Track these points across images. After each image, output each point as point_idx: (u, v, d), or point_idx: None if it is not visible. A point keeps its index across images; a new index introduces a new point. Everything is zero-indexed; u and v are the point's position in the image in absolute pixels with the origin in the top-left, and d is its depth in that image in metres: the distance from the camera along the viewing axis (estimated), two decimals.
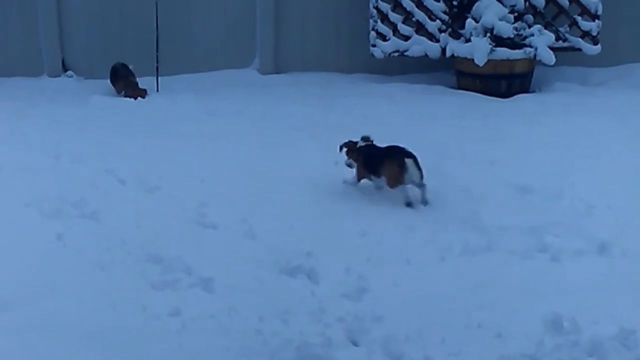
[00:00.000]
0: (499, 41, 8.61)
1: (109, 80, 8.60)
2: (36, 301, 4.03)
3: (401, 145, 5.64)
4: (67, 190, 5.52)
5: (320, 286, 4.37)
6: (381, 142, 5.83)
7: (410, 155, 5.51)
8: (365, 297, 4.26)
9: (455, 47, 8.86)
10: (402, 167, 5.46)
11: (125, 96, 8.23)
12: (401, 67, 9.54)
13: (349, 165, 5.85)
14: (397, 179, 5.49)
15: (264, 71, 9.66)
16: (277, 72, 9.69)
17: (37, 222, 5.03)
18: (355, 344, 3.82)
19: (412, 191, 5.55)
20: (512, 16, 8.77)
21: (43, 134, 6.95)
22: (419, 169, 5.51)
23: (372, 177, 5.75)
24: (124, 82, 8.42)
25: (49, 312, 3.94)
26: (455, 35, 9.06)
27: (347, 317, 4.00)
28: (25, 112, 7.71)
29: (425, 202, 5.52)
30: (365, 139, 5.91)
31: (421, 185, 5.55)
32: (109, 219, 5.10)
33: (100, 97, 8.27)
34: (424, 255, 4.73)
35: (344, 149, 5.85)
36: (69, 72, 9.52)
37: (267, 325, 3.92)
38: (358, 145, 5.84)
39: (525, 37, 8.70)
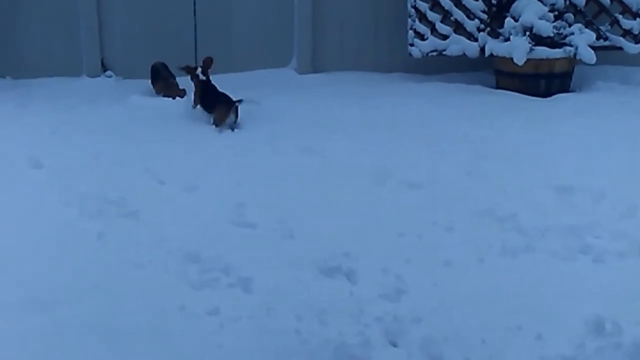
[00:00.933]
0: (538, 40, 8.53)
1: (149, 81, 8.64)
2: (77, 300, 4.07)
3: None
4: (107, 190, 5.56)
5: (358, 286, 4.35)
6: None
7: (234, 104, 7.26)
8: (404, 297, 4.24)
9: (494, 46, 8.79)
10: (229, 112, 7.24)
11: (164, 96, 8.26)
12: (439, 67, 9.48)
13: None
14: (222, 121, 7.25)
15: (301, 71, 9.66)
16: (315, 72, 9.68)
17: (78, 221, 5.08)
18: (394, 345, 3.81)
19: None
20: (552, 15, 8.68)
21: (82, 134, 6.99)
22: (237, 115, 7.30)
23: (204, 110, 7.48)
24: (164, 83, 8.45)
25: (89, 311, 3.98)
26: (494, 34, 8.99)
27: (385, 317, 3.98)
28: (65, 112, 7.76)
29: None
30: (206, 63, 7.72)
31: (233, 128, 7.28)
32: (149, 219, 5.14)
33: (139, 97, 8.30)
34: (462, 256, 4.70)
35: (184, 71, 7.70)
36: (108, 72, 9.58)
37: (305, 325, 3.91)
38: (199, 76, 7.66)
39: (566, 36, 8.61)
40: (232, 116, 7.34)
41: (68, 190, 5.58)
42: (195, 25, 9.00)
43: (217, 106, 7.42)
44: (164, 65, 8.59)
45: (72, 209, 5.25)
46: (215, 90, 7.61)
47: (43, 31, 9.44)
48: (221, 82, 8.72)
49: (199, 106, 7.61)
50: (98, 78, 9.45)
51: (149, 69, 8.62)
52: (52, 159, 6.20)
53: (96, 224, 5.00)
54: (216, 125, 7.32)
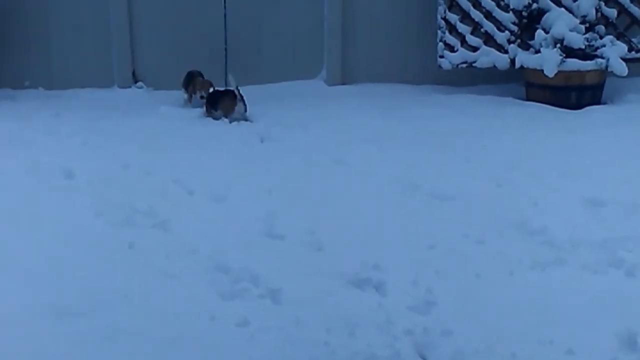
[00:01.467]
0: (569, 52, 8.49)
1: (182, 90, 8.68)
2: (107, 310, 4.08)
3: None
4: (137, 200, 5.58)
5: (387, 298, 4.33)
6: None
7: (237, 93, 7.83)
8: (434, 310, 4.21)
9: (524, 58, 8.76)
10: (234, 102, 7.80)
11: (201, 97, 8.27)
12: (469, 79, 9.46)
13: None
14: (231, 111, 7.83)
15: (331, 82, 9.68)
16: (344, 83, 9.70)
17: (108, 231, 5.11)
18: (423, 358, 3.77)
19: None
20: (583, 27, 8.65)
21: (113, 144, 7.04)
22: (245, 104, 7.84)
23: (213, 111, 7.98)
24: (199, 80, 8.51)
25: (119, 320, 3.99)
26: (525, 46, 8.96)
27: (415, 330, 3.96)
28: (96, 123, 7.84)
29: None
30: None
31: (246, 118, 7.87)
32: (178, 229, 5.15)
33: (169, 108, 8.37)
34: (493, 269, 4.66)
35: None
36: (139, 83, 9.66)
37: (334, 337, 3.90)
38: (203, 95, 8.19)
39: (597, 48, 8.56)
40: (240, 105, 7.89)
41: (99, 199, 5.61)
42: (226, 38, 9.05)
43: (222, 100, 8.00)
44: (199, 72, 8.64)
45: (103, 218, 5.28)
46: (218, 90, 8.22)
47: (76, 43, 9.54)
48: (251, 93, 8.78)
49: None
50: (129, 89, 9.54)
51: (184, 76, 8.67)
52: (84, 169, 6.24)
53: (126, 234, 5.02)
54: (226, 117, 7.90)
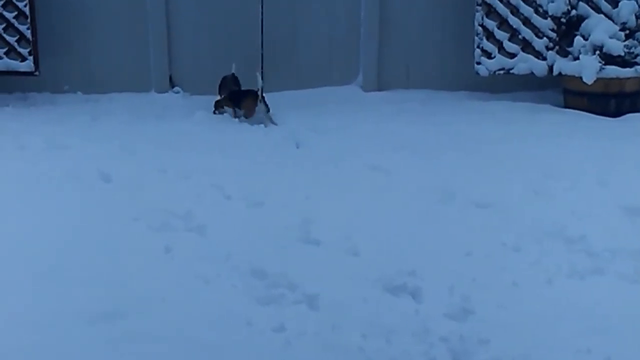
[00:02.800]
0: (608, 59, 8.41)
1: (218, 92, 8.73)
2: (144, 313, 4.11)
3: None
4: (174, 204, 5.61)
5: (424, 305, 4.31)
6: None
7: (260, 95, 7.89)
8: (470, 318, 4.18)
9: (562, 65, 8.69)
10: (255, 102, 7.89)
11: (246, 117, 8.32)
12: (506, 85, 9.41)
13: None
14: (252, 112, 7.96)
15: (367, 88, 9.67)
16: (380, 89, 9.69)
17: (146, 234, 5.14)
18: None
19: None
20: (622, 34, 8.56)
21: (150, 148, 7.10)
22: (267, 105, 7.96)
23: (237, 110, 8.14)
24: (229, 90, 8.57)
25: (156, 324, 4.01)
26: (563, 53, 8.89)
27: (451, 337, 3.94)
28: (133, 127, 7.90)
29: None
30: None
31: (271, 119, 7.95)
32: (215, 233, 5.17)
33: (205, 113, 8.41)
34: (530, 277, 4.62)
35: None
36: (176, 88, 9.72)
37: (370, 343, 3.89)
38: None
39: (637, 55, 8.47)
40: (261, 105, 7.99)
41: (136, 203, 5.66)
42: (262, 43, 9.07)
43: (244, 100, 8.14)
44: (235, 78, 8.68)
45: (140, 222, 5.32)
46: (241, 90, 8.41)
47: (114, 49, 9.64)
48: (287, 98, 8.84)
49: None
50: (166, 94, 9.61)
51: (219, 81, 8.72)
52: (121, 173, 6.29)
53: (163, 238, 5.05)
54: (246, 117, 8.10)
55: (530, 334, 4.01)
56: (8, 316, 4.09)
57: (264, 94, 8.02)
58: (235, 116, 8.28)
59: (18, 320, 4.05)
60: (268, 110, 8.09)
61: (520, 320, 4.15)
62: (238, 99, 8.28)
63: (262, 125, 7.92)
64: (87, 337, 3.90)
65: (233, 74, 8.74)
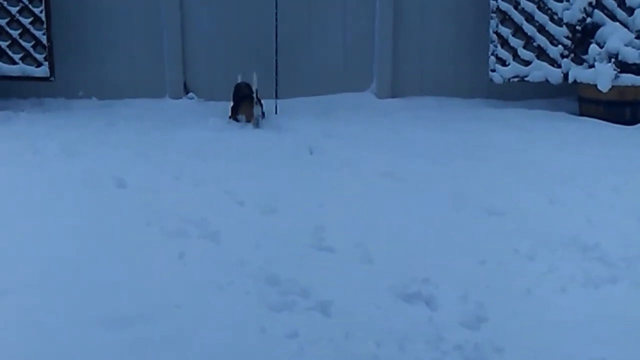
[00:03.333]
0: (624, 67, 8.39)
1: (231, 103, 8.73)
2: (157, 319, 4.10)
3: None
4: (187, 211, 5.62)
5: (437, 313, 4.29)
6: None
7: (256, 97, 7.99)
8: (484, 326, 4.15)
9: (577, 73, 8.68)
10: (252, 105, 8.01)
11: (247, 121, 8.33)
12: (521, 93, 9.40)
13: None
14: (250, 116, 8.07)
15: (381, 95, 9.68)
16: (394, 96, 9.70)
17: (160, 240, 5.14)
18: None
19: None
20: (638, 42, 8.54)
21: (164, 154, 7.11)
22: (262, 107, 8.14)
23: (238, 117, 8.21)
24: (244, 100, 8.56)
25: (169, 330, 4.00)
26: (578, 61, 8.88)
27: (465, 345, 3.92)
28: (147, 133, 7.92)
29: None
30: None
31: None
32: (229, 240, 5.16)
33: (219, 119, 8.42)
34: (544, 286, 4.59)
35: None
36: (190, 94, 9.75)
37: (384, 350, 3.87)
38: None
39: None
40: (257, 108, 8.10)
41: (150, 209, 5.66)
42: (277, 50, 9.10)
43: (242, 105, 8.24)
44: (247, 85, 8.69)
45: (154, 228, 5.32)
46: (239, 96, 8.40)
47: (129, 54, 9.68)
48: (301, 104, 8.86)
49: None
50: (180, 100, 9.63)
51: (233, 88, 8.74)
52: (135, 179, 6.31)
53: (177, 244, 5.05)
54: (248, 121, 8.17)
55: (545, 342, 3.98)
56: (21, 321, 4.09)
57: (259, 96, 8.13)
58: (238, 121, 8.34)
59: (31, 325, 4.04)
60: (262, 114, 8.26)
61: (535, 329, 4.12)
62: (237, 105, 8.34)
63: (276, 132, 7.92)
64: (101, 342, 3.90)
65: (244, 81, 8.73)
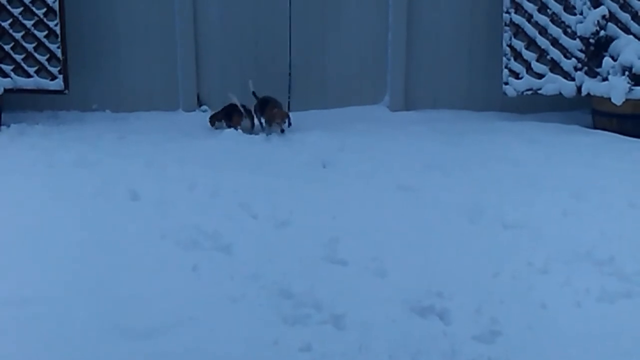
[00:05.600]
0: (638, 80, 8.36)
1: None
2: (171, 331, 4.10)
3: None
4: (201, 223, 5.62)
5: (451, 327, 4.27)
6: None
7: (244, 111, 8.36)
8: (498, 340, 4.14)
9: (591, 86, 8.66)
10: (241, 118, 8.43)
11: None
12: (534, 106, 9.39)
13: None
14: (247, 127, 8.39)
15: (394, 108, 9.68)
16: (408, 109, 9.70)
17: (173, 252, 5.15)
18: None
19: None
20: None
21: (178, 166, 7.12)
22: (252, 120, 8.45)
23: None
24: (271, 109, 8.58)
25: (183, 342, 4.01)
26: (592, 74, 8.86)
27: None
28: (161, 145, 7.94)
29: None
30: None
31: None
32: (242, 253, 5.17)
33: (232, 132, 8.43)
34: (559, 299, 4.57)
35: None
36: (204, 107, 9.78)
37: None
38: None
39: None
40: (246, 121, 8.48)
41: (164, 221, 5.67)
42: (290, 63, 9.12)
43: (232, 116, 8.56)
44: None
45: (168, 240, 5.33)
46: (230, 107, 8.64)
47: (142, 67, 9.72)
48: (314, 117, 8.86)
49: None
50: (193, 112, 9.65)
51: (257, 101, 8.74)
52: (149, 191, 6.32)
53: (191, 256, 5.05)
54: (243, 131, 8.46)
55: (559, 356, 3.97)
56: (40, 332, 4.10)
57: (248, 109, 8.50)
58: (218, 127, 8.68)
59: (49, 336, 4.06)
60: (252, 127, 8.57)
61: (549, 343, 4.10)
62: (230, 115, 8.63)
63: (290, 145, 7.93)
64: (120, 355, 3.90)
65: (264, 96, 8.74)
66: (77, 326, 4.16)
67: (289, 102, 8.89)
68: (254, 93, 8.50)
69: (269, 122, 8.31)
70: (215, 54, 9.77)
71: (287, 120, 8.21)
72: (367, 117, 9.35)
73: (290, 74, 9.10)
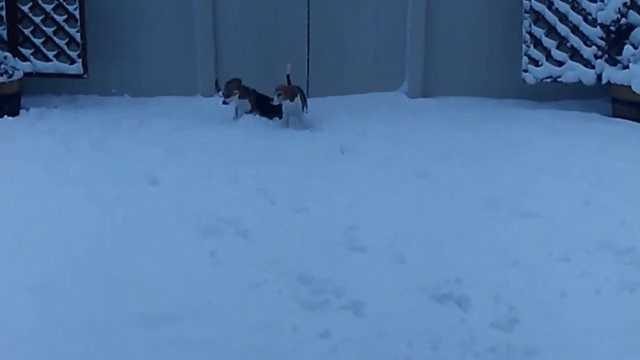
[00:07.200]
0: None
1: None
2: (190, 317, 4.13)
3: None
4: (220, 209, 5.64)
5: (470, 314, 4.27)
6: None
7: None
8: (516, 328, 4.13)
9: (611, 74, 8.60)
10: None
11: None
12: (553, 93, 9.33)
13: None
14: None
15: (412, 95, 9.64)
16: (426, 96, 9.65)
17: (192, 238, 5.17)
18: None
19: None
20: None
21: (196, 152, 7.14)
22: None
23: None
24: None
25: (202, 328, 4.03)
26: (612, 62, 8.79)
27: (498, 347, 3.90)
28: (180, 131, 7.94)
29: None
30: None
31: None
32: (261, 238, 5.18)
33: (251, 118, 8.41)
34: (578, 288, 4.55)
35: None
36: (222, 92, 9.75)
37: (416, 351, 3.87)
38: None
39: None
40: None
41: (183, 207, 5.69)
42: (308, 48, 9.10)
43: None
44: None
45: (187, 225, 5.35)
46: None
47: (161, 52, 9.72)
48: (333, 104, 8.83)
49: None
50: (212, 98, 9.63)
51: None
52: (168, 177, 6.33)
53: (210, 242, 5.07)
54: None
55: (579, 346, 3.96)
56: (57, 320, 4.13)
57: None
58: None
59: (67, 322, 4.08)
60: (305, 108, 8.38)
61: (568, 332, 4.10)
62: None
63: (308, 131, 7.93)
64: (138, 341, 3.92)
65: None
66: (94, 313, 4.18)
67: (307, 88, 8.86)
68: (288, 76, 8.44)
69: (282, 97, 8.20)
70: (233, 39, 9.75)
71: (303, 106, 8.17)
72: (386, 103, 9.32)
73: (308, 59, 9.07)
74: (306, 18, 9.09)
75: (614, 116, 8.65)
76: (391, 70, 9.77)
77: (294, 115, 8.14)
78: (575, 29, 8.94)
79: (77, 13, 9.13)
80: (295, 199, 5.86)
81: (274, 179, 6.36)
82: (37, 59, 9.24)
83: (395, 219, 5.55)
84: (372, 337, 3.98)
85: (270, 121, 8.27)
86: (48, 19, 9.22)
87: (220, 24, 9.69)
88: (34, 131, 7.91)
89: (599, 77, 8.75)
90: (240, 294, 4.41)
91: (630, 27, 8.73)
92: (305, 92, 8.40)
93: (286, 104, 8.00)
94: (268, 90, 8.31)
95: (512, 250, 5.05)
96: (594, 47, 8.87)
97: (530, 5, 8.98)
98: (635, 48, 8.51)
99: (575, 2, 8.93)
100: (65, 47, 9.23)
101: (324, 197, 5.95)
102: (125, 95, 9.69)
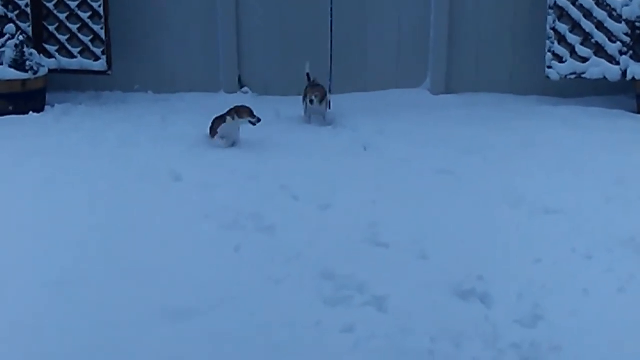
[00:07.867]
0: None
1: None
2: (214, 311, 4.16)
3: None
4: (243, 204, 5.68)
5: (493, 311, 4.27)
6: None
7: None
8: (540, 324, 4.13)
9: (636, 70, 8.55)
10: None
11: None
12: (578, 90, 9.29)
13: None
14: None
15: (435, 91, 9.63)
16: (449, 93, 9.64)
17: (216, 233, 5.20)
18: None
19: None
20: None
21: (220, 149, 7.16)
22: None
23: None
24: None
25: (225, 322, 4.06)
26: (637, 58, 8.74)
27: (522, 344, 3.90)
28: (203, 127, 7.95)
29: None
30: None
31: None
32: (284, 234, 5.20)
33: (273, 115, 8.42)
34: (602, 285, 4.54)
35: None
36: (245, 89, 9.79)
37: (439, 347, 3.88)
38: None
39: None
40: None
41: (206, 203, 5.73)
42: (331, 45, 9.08)
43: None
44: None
45: (211, 221, 5.38)
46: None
47: (184, 49, 9.76)
48: (356, 100, 8.83)
49: None
50: (235, 94, 9.66)
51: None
52: (191, 173, 6.38)
53: (233, 237, 5.10)
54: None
55: (604, 342, 3.95)
56: (83, 312, 4.17)
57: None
58: None
59: (87, 319, 4.12)
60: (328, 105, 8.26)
61: (592, 328, 4.09)
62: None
63: (330, 128, 7.94)
64: (162, 335, 3.96)
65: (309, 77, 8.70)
66: (118, 307, 4.22)
67: (330, 85, 8.87)
68: (308, 75, 8.45)
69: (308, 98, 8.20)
70: (257, 37, 9.77)
71: (325, 103, 8.18)
72: (408, 100, 9.31)
73: (331, 56, 9.07)
74: (329, 15, 9.08)
75: (638, 113, 8.60)
76: (414, 67, 9.76)
77: (317, 114, 8.16)
78: (600, 25, 8.88)
79: (101, 10, 9.19)
80: (318, 195, 5.88)
81: (296, 175, 6.38)
82: (62, 56, 9.31)
83: (418, 215, 5.55)
84: (395, 332, 3.99)
85: (293, 117, 8.28)
86: (73, 16, 9.29)
87: (244, 19, 9.71)
88: (60, 127, 7.99)
89: (624, 73, 8.70)
90: (263, 289, 4.43)
91: None
92: (327, 89, 8.41)
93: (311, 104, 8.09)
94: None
95: (535, 247, 5.04)
96: (618, 43, 8.81)
97: (555, 1, 8.93)
98: None
99: None
100: (89, 44, 9.30)
101: (346, 193, 5.96)
102: (149, 91, 9.74)
